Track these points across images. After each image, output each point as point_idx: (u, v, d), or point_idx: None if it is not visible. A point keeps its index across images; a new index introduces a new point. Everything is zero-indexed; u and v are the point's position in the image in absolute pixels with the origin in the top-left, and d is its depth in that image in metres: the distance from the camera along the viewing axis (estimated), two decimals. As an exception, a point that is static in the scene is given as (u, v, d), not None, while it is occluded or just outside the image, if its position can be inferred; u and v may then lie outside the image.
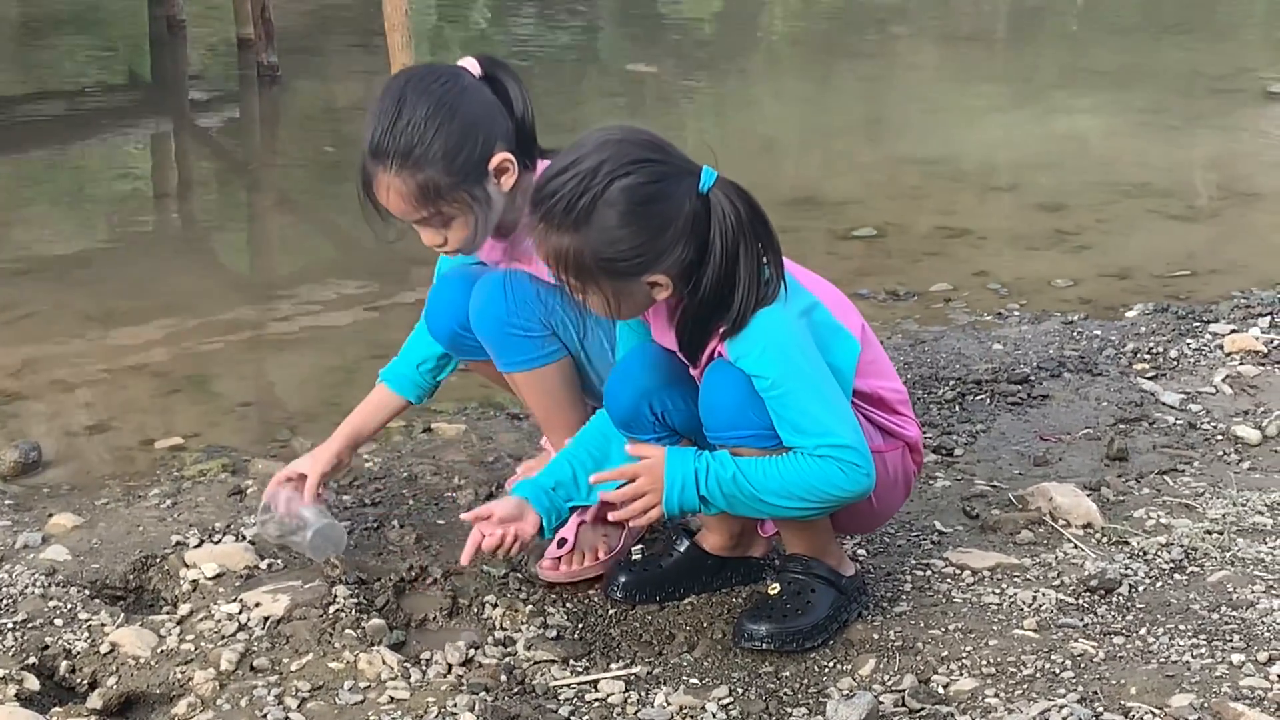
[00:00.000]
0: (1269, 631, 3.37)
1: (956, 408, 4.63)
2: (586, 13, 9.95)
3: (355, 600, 3.51)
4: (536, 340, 3.75)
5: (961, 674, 3.25)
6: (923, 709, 3.14)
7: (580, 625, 3.49)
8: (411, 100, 3.48)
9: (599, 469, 3.34)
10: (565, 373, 3.84)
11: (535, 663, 3.34)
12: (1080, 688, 3.19)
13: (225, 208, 7.50)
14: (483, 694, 3.19)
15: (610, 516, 3.32)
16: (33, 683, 3.26)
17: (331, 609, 3.46)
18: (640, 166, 3.01)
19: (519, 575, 3.69)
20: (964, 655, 3.31)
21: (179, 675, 3.27)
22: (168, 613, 3.53)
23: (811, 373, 3.13)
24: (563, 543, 3.67)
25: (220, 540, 3.84)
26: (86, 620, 3.48)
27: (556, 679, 3.28)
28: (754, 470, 3.13)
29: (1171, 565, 3.66)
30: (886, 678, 3.25)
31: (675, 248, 3.05)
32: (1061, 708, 3.12)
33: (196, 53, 9.27)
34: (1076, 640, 3.36)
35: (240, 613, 3.47)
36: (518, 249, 3.67)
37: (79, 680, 3.31)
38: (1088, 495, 3.97)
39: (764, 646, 3.34)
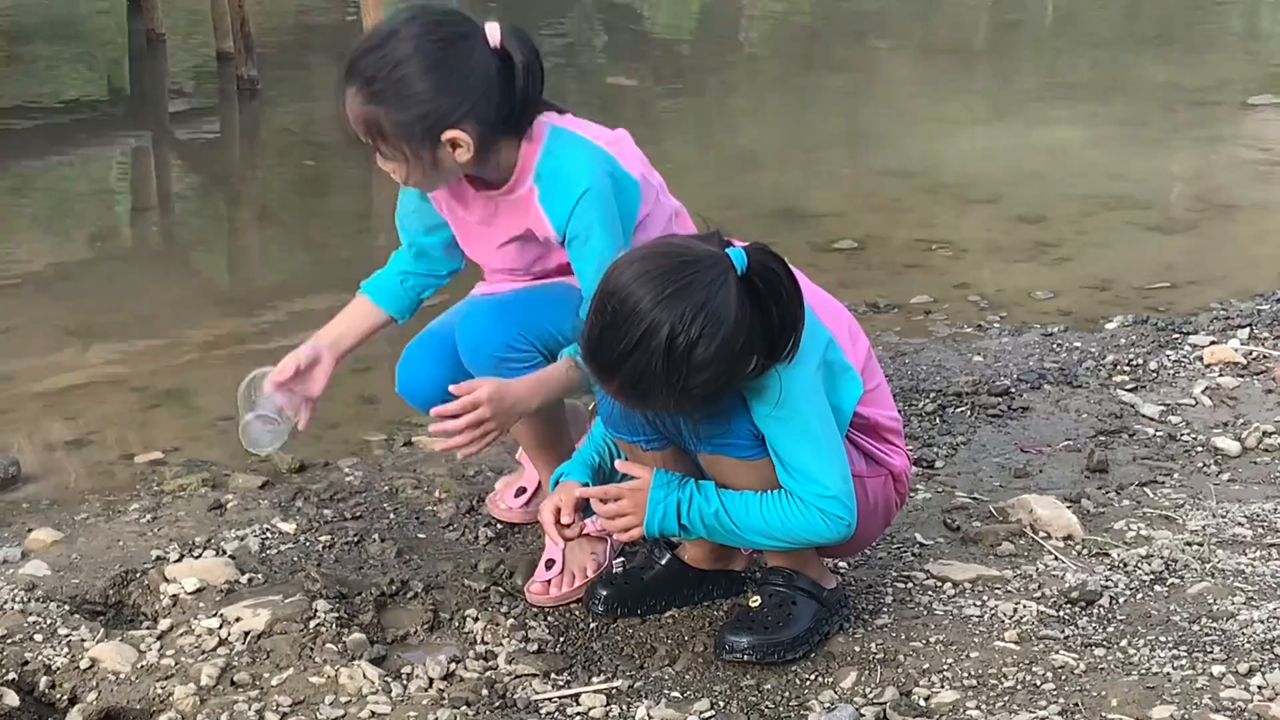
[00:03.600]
0: (1249, 643, 3.38)
1: (937, 420, 4.63)
2: (565, 25, 9.95)
3: (336, 614, 3.51)
4: (531, 363, 3.73)
5: (943, 686, 3.26)
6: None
7: (561, 639, 3.50)
8: (403, 37, 3.44)
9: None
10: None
11: (516, 676, 3.34)
12: (1061, 700, 3.20)
13: (205, 221, 7.49)
14: (464, 708, 3.19)
15: (589, 527, 3.34)
16: (12, 698, 3.26)
17: (312, 623, 3.46)
18: (699, 311, 2.96)
19: (500, 589, 3.70)
20: (945, 667, 3.31)
21: (159, 691, 3.27)
22: (148, 628, 3.53)
23: (812, 419, 3.16)
24: (550, 564, 3.67)
25: (200, 555, 3.83)
26: (66, 636, 3.47)
27: (538, 693, 3.28)
28: (737, 507, 3.17)
29: (1152, 577, 3.67)
30: (868, 690, 3.26)
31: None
32: (1043, 719, 3.13)
33: (176, 66, 9.26)
34: (1057, 652, 3.37)
35: (220, 627, 3.47)
36: (501, 206, 3.62)
37: (59, 696, 3.31)
38: (1068, 507, 3.98)
39: (746, 659, 3.34)
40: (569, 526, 3.33)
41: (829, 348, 3.21)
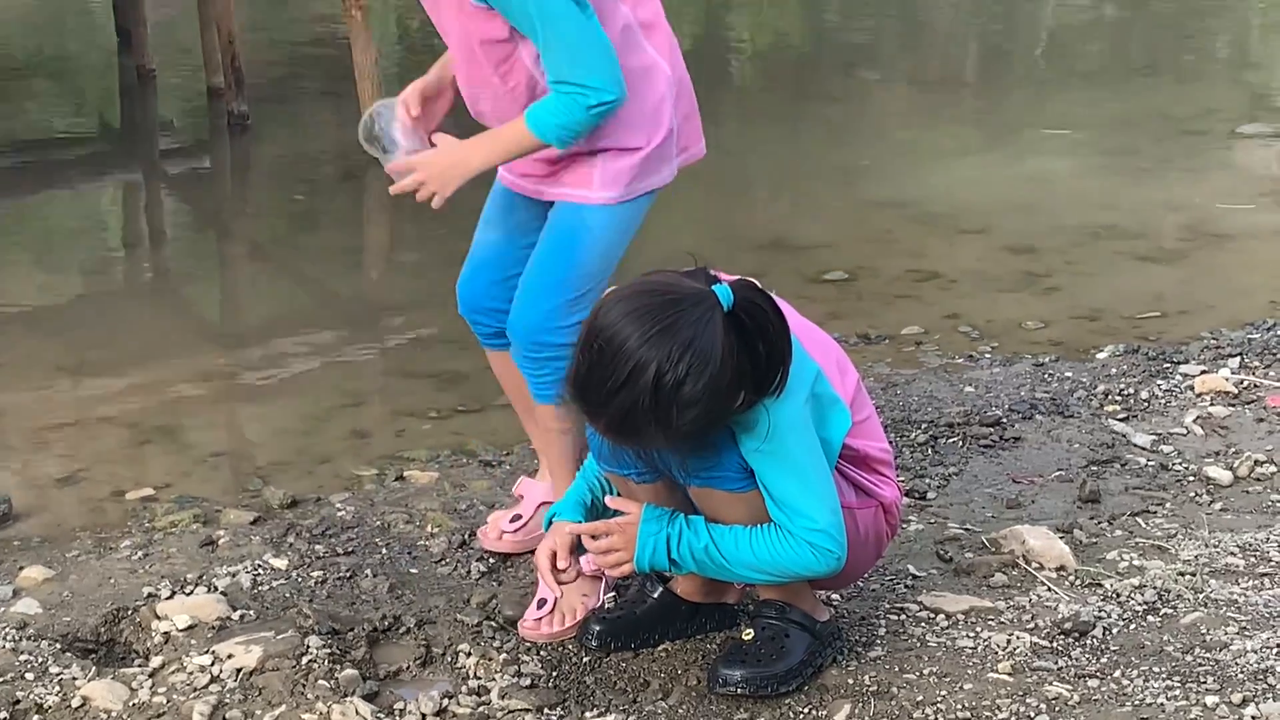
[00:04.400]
0: (1243, 673, 3.38)
1: (929, 450, 4.64)
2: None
3: (328, 650, 3.50)
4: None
5: (937, 719, 3.25)
6: (898, 754, 3.15)
7: (555, 673, 3.49)
8: None
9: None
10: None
11: (509, 712, 3.33)
12: (1056, 731, 3.19)
13: (196, 257, 7.49)
14: (457, 744, 3.18)
15: (585, 567, 3.35)
16: (3, 738, 3.25)
17: (304, 659, 3.45)
18: (686, 348, 2.97)
19: (493, 623, 3.70)
20: (939, 700, 3.31)
21: (150, 728, 3.26)
22: (139, 665, 3.52)
23: (800, 452, 3.16)
24: (543, 603, 3.67)
25: (192, 591, 3.83)
26: (58, 674, 3.47)
27: (531, 728, 3.27)
28: (727, 542, 3.17)
29: (1145, 607, 3.67)
30: (862, 723, 3.25)
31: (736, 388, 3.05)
32: (1037, 751, 3.13)
33: (167, 102, 9.28)
34: (1051, 683, 3.36)
35: (213, 664, 3.46)
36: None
37: (51, 735, 3.30)
38: (1060, 538, 3.98)
39: (739, 692, 3.34)
40: (564, 572, 3.33)
41: (817, 380, 3.21)
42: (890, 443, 4.56)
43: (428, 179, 3.45)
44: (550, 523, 3.42)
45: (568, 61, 3.57)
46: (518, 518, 4.07)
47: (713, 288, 3.01)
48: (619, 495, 3.37)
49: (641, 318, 2.96)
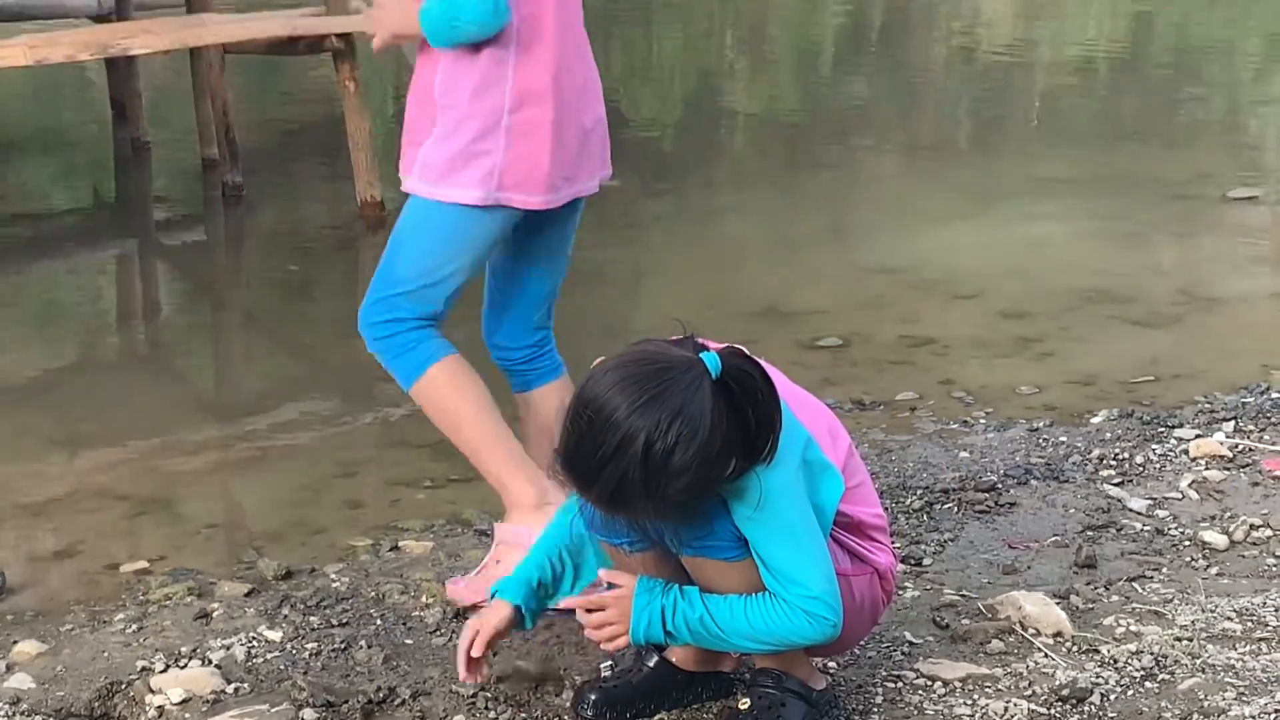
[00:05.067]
0: (1242, 737, 3.38)
1: (924, 516, 4.63)
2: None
3: (324, 723, 3.49)
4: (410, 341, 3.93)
5: (935, 787, 3.24)
6: (896, 824, 3.14)
7: (551, 743, 3.48)
8: None
9: (556, 579, 3.40)
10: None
11: (505, 784, 3.32)
12: (1054, 799, 3.19)
13: (191, 328, 7.51)
14: (453, 816, 3.17)
15: (587, 634, 3.35)
16: (-4, 814, 3.24)
17: (299, 733, 3.45)
18: (675, 416, 2.99)
19: (487, 694, 3.69)
20: (937, 768, 3.30)
21: (145, 803, 3.25)
22: (132, 739, 3.52)
23: (794, 519, 3.17)
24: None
25: (186, 665, 3.82)
26: (51, 749, 3.46)
27: (528, 799, 3.26)
28: (722, 612, 3.17)
29: (1142, 673, 3.66)
30: (859, 793, 3.24)
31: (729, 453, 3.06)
32: (1036, 820, 3.12)
33: (161, 173, 9.31)
34: (1049, 751, 3.36)
35: (207, 739, 3.45)
36: None
37: (43, 811, 3.29)
38: (1057, 603, 3.97)
39: (736, 763, 3.33)
40: (477, 662, 3.35)
41: (808, 447, 3.22)
42: (885, 509, 4.56)
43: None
44: (494, 594, 3.43)
45: None
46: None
47: (700, 355, 3.02)
48: (612, 565, 3.37)
49: (629, 387, 2.97)
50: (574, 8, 3.98)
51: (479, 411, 3.99)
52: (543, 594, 3.39)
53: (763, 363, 3.13)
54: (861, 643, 3.79)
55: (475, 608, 3.88)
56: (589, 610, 3.27)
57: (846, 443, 3.39)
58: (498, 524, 4.09)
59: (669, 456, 2.94)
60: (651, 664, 3.52)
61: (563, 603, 3.37)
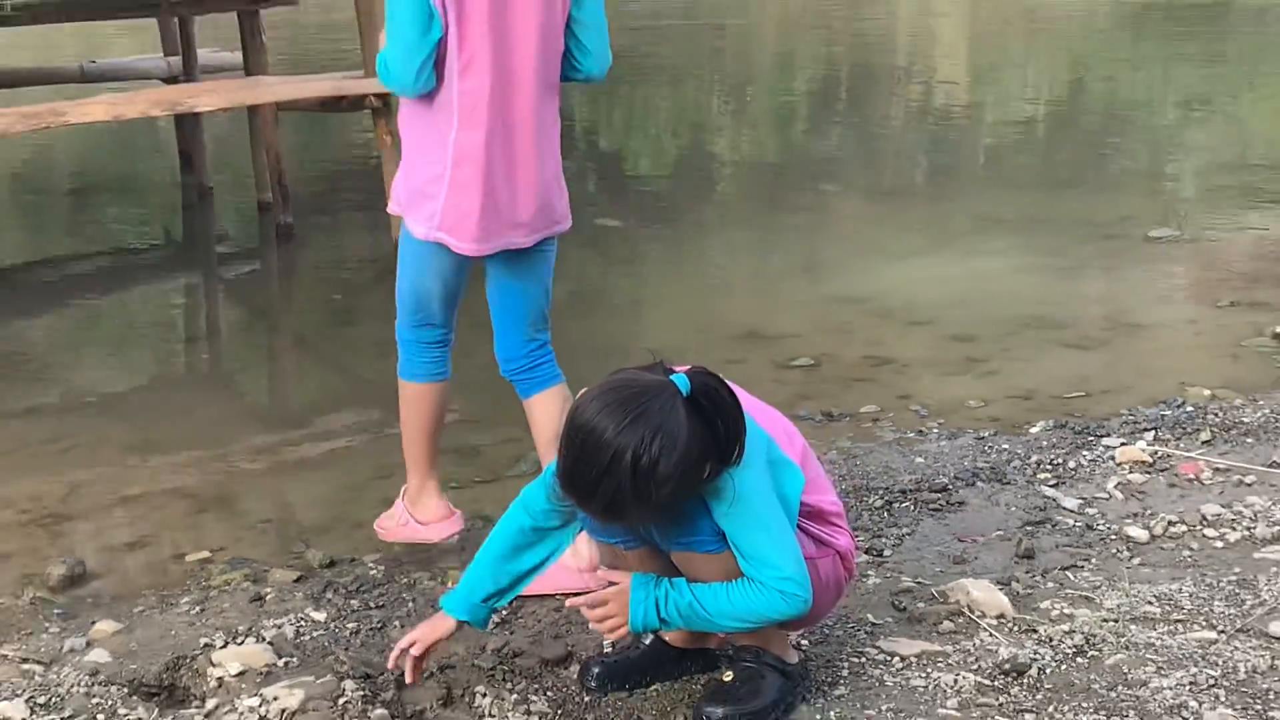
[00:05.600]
0: (1160, 707, 3.38)
1: (885, 514, 4.63)
2: (564, 172, 10.07)
3: (361, 693, 3.50)
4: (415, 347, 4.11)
5: (893, 749, 3.24)
6: (860, 781, 3.14)
7: (559, 711, 3.48)
8: None
9: (497, 584, 3.44)
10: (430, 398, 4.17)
11: (520, 746, 3.31)
12: (997, 759, 3.18)
13: (247, 349, 7.51)
14: (474, 774, 3.17)
15: (591, 626, 3.35)
16: (77, 772, 3.24)
17: (340, 700, 3.45)
18: (656, 432, 2.99)
19: (505, 668, 3.68)
20: (895, 732, 3.30)
21: (207, 762, 3.25)
22: (196, 707, 3.51)
23: (764, 511, 3.18)
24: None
25: (243, 641, 3.82)
26: (125, 715, 3.46)
27: (539, 760, 3.26)
28: (708, 597, 3.19)
29: (1074, 650, 3.66)
30: (828, 754, 3.24)
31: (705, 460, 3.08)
32: (981, 777, 3.12)
33: (222, 214, 9.32)
34: (993, 718, 3.35)
35: (260, 705, 3.45)
36: None
37: (119, 769, 3.28)
38: (1000, 589, 3.98)
39: (722, 728, 3.33)
40: (417, 661, 3.42)
41: (770, 447, 3.24)
42: (850, 507, 4.58)
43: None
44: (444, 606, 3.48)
45: (386, 29, 3.86)
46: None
47: (671, 378, 3.05)
48: (608, 564, 3.39)
49: (613, 411, 2.98)
50: (521, 89, 3.91)
51: (417, 422, 4.23)
52: (494, 599, 3.44)
53: (725, 380, 3.16)
54: (829, 622, 3.79)
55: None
56: (592, 606, 3.29)
57: (801, 443, 3.40)
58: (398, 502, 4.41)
59: (655, 467, 2.96)
60: (647, 642, 3.53)
61: (568, 603, 3.41)
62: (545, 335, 4.20)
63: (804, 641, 3.68)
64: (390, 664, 3.45)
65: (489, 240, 3.95)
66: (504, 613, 3.97)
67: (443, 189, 3.90)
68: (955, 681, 3.52)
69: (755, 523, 3.15)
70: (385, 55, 3.86)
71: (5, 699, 3.53)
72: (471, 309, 4.18)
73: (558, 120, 4.06)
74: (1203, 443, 5.16)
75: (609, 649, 3.62)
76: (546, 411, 4.13)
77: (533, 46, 3.87)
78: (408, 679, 3.42)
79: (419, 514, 4.30)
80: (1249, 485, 4.77)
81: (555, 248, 4.18)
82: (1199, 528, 4.43)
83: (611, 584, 3.28)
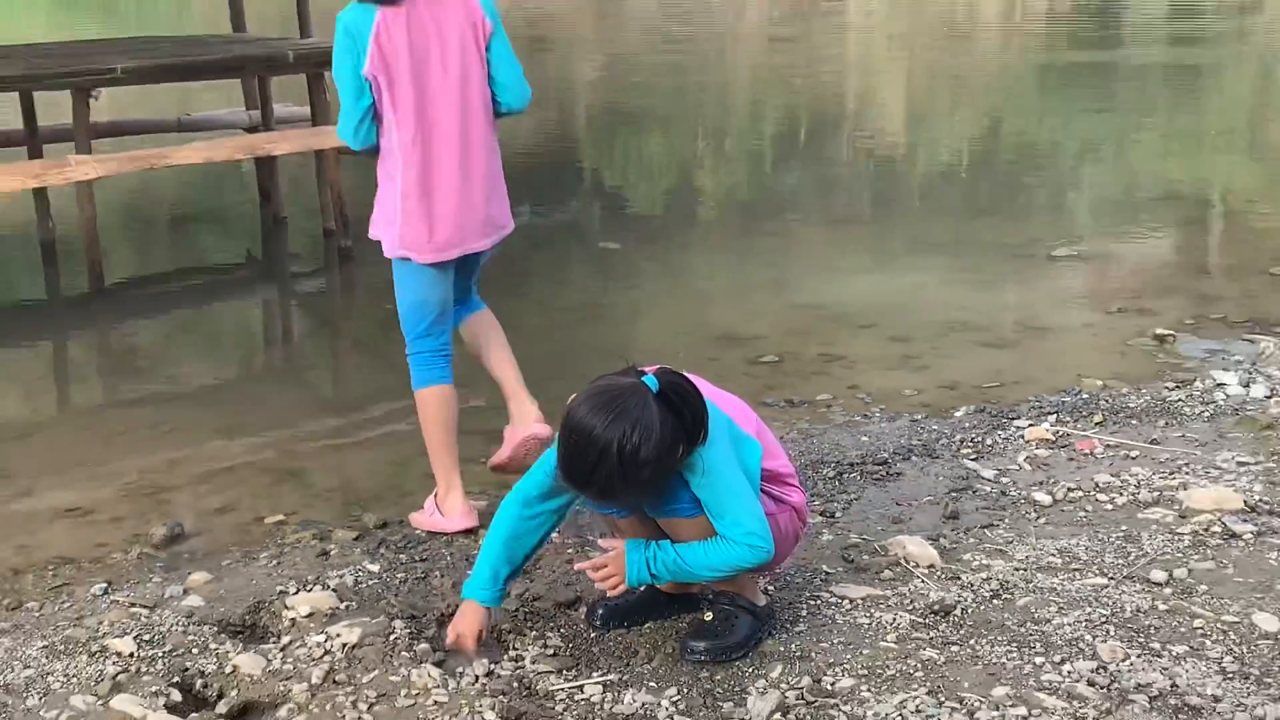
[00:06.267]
0: (1061, 640, 3.39)
1: (836, 483, 4.65)
2: (572, 206, 10.06)
3: (408, 631, 3.51)
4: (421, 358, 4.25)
5: (843, 675, 3.26)
6: (815, 701, 3.15)
7: (570, 645, 3.49)
8: None
9: (514, 566, 3.42)
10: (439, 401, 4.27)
11: (538, 673, 3.34)
12: (928, 684, 3.20)
13: (314, 349, 7.52)
14: (500, 697, 3.18)
15: (594, 581, 3.36)
16: (177, 696, 3.26)
17: (391, 637, 3.46)
18: (635, 424, 3.00)
19: (526, 610, 3.69)
20: (845, 661, 3.31)
21: (282, 688, 3.26)
22: (273, 643, 3.53)
23: (730, 479, 3.19)
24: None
25: (311, 589, 3.83)
26: (215, 649, 3.47)
27: (553, 685, 3.28)
28: (688, 554, 3.21)
29: (991, 594, 3.68)
30: (790, 679, 3.25)
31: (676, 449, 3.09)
32: (915, 698, 3.13)
33: (294, 239, 9.32)
34: (925, 649, 3.37)
35: (326, 641, 3.47)
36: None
37: (210, 694, 3.31)
38: (930, 544, 4.00)
39: (703, 659, 3.34)
40: (474, 649, 3.39)
41: (730, 426, 3.27)
42: (808, 478, 4.58)
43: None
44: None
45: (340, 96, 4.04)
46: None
47: (642, 379, 3.07)
48: (608, 534, 3.42)
49: (598, 412, 3.02)
50: (445, 132, 4.06)
51: (436, 429, 4.32)
52: (508, 573, 3.41)
53: (687, 374, 3.19)
54: (790, 571, 3.80)
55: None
56: (596, 568, 3.31)
57: (754, 418, 3.43)
58: (429, 500, 4.42)
59: (637, 454, 2.98)
60: (642, 589, 3.54)
61: (576, 566, 3.47)
62: (473, 293, 4.48)
63: (770, 587, 3.69)
64: (450, 644, 3.42)
65: (445, 251, 4.13)
66: (526, 567, 3.97)
67: (398, 217, 4.10)
68: (894, 620, 3.53)
69: (724, 490, 3.17)
70: (341, 122, 4.08)
71: (116, 636, 3.54)
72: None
73: (493, 149, 4.20)
74: (1096, 424, 5.17)
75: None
76: (472, 327, 4.48)
77: (453, 96, 4.04)
78: (472, 657, 3.38)
79: (444, 511, 4.31)
80: (1133, 459, 4.78)
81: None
82: (1093, 493, 4.44)
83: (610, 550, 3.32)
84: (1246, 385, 5.51)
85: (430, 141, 4.05)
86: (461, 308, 4.45)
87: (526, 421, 4.41)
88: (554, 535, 3.96)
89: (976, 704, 3.08)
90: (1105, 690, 3.15)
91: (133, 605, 3.79)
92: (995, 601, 3.62)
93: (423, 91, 4.01)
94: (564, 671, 3.33)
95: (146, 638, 3.52)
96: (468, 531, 4.23)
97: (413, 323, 4.25)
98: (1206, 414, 5.22)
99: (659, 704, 3.15)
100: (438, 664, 3.34)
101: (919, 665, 3.28)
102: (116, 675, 3.33)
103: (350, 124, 4.05)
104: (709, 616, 3.41)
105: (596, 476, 3.02)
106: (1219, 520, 4.13)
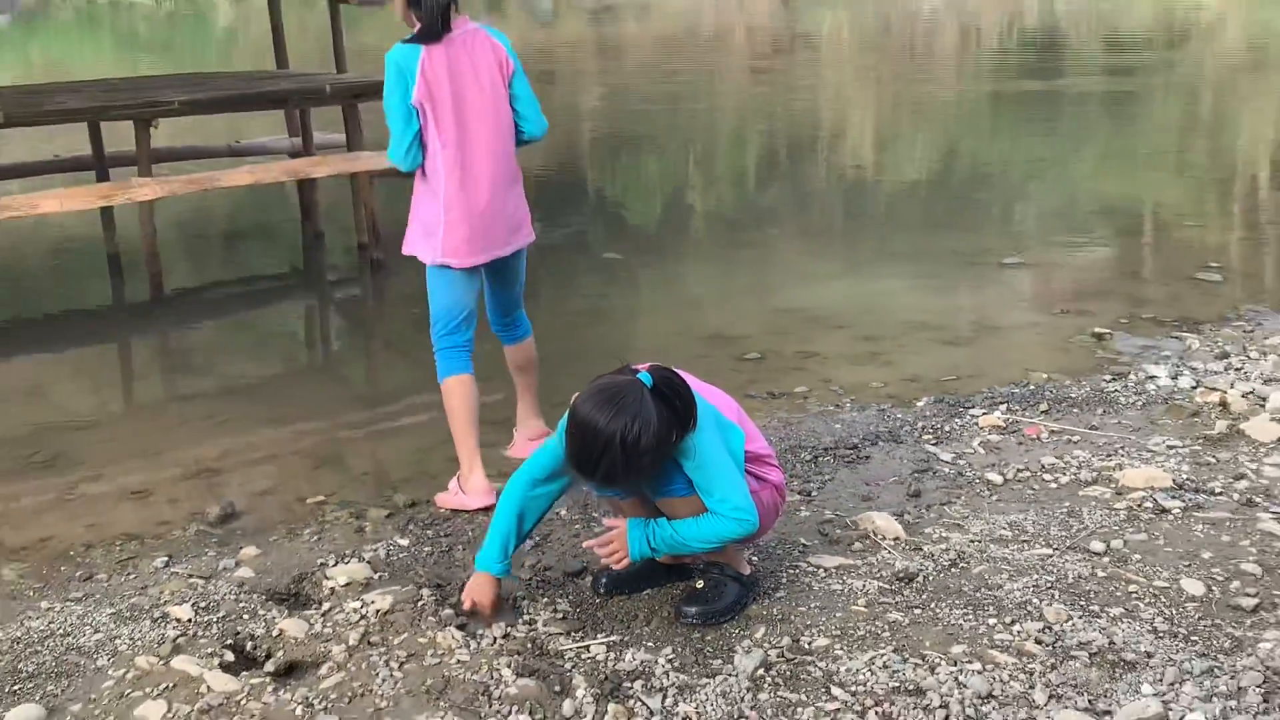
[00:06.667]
0: (1012, 603, 3.40)
1: (812, 465, 4.65)
2: (579, 220, 10.05)
3: (434, 597, 3.51)
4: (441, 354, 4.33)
5: (819, 636, 3.26)
6: (795, 659, 3.16)
7: (578, 610, 3.50)
8: None
9: (520, 538, 3.42)
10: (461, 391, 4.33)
11: (549, 635, 3.34)
12: (894, 643, 3.21)
13: (351, 350, 7.52)
14: (515, 656, 3.19)
15: (601, 556, 3.35)
16: (229, 656, 3.27)
17: (419, 604, 3.47)
18: (634, 417, 3.00)
19: (539, 579, 3.69)
20: (820, 623, 3.32)
21: (323, 649, 3.27)
22: (315, 608, 3.54)
23: (719, 461, 3.20)
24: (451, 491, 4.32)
25: (349, 561, 3.84)
26: (263, 615, 3.48)
27: (563, 645, 3.28)
28: (683, 529, 3.21)
29: (949, 563, 3.69)
30: (772, 639, 3.26)
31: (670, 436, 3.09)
32: (882, 655, 3.14)
33: (331, 252, 9.31)
34: (891, 612, 3.38)
35: (361, 607, 3.47)
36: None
37: (259, 654, 3.31)
38: (895, 519, 4.00)
39: (695, 621, 3.35)
40: (494, 616, 3.38)
41: (716, 415, 3.28)
42: (787, 462, 4.59)
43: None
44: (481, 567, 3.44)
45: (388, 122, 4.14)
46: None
47: (638, 376, 3.08)
48: (611, 514, 3.43)
49: (601, 408, 3.02)
50: (481, 154, 4.19)
51: (460, 416, 4.36)
52: (515, 544, 3.41)
53: (676, 370, 3.20)
54: (771, 544, 3.81)
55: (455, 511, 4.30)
56: (601, 545, 3.32)
57: (735, 406, 3.45)
58: (453, 481, 4.45)
59: (637, 444, 2.98)
60: (641, 561, 3.54)
61: (584, 544, 3.45)
62: (520, 310, 4.58)
63: (755, 558, 3.70)
64: (466, 607, 3.42)
65: (479, 256, 4.25)
66: (536, 539, 3.98)
67: (440, 227, 4.19)
68: (863, 586, 3.54)
69: (713, 470, 3.17)
70: (391, 147, 4.18)
71: (176, 604, 3.55)
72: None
73: (517, 169, 4.35)
74: (1042, 412, 5.18)
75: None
76: (514, 353, 4.62)
77: (486, 122, 4.20)
78: (489, 622, 3.38)
79: (466, 489, 4.32)
80: (1075, 443, 4.79)
81: (525, 255, 4.50)
82: (1039, 474, 4.45)
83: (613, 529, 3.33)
84: (1175, 377, 5.52)
85: (469, 161, 4.18)
86: (510, 330, 4.63)
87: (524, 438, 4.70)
88: (563, 513, 3.98)
89: (937, 660, 3.09)
90: (1050, 648, 3.15)
91: (190, 576, 3.79)
92: (953, 570, 3.63)
93: (462, 119, 4.15)
94: (572, 633, 3.34)
95: (203, 605, 3.53)
96: (487, 509, 4.24)
97: (444, 322, 4.32)
98: (1139, 403, 5.23)
99: (656, 661, 3.16)
100: (460, 627, 3.35)
101: (886, 626, 3.28)
102: (176, 638, 3.34)
103: (401, 148, 4.13)
104: (700, 584, 3.41)
105: (602, 465, 3.02)
106: (1151, 497, 4.14)
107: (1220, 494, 4.18)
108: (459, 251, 4.23)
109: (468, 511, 4.26)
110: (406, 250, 4.36)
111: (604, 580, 3.55)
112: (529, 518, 3.42)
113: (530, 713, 2.92)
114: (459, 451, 4.37)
